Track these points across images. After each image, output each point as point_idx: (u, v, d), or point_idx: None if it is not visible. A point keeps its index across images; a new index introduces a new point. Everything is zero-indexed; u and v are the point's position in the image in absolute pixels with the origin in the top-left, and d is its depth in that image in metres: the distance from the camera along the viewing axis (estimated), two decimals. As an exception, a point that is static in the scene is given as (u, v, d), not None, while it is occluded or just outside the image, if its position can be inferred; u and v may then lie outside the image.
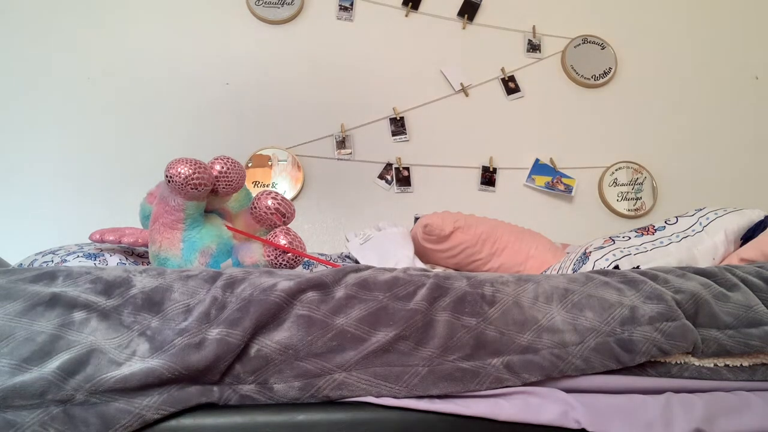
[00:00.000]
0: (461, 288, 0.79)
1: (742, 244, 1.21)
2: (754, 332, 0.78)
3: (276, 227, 1.02)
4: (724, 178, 2.34)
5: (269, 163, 2.07)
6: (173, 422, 0.67)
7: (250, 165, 2.05)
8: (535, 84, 2.29)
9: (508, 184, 2.22)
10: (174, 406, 0.67)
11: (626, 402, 0.74)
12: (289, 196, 2.05)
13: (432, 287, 0.78)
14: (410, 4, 2.23)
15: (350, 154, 2.14)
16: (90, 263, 1.10)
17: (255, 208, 1.02)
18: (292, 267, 0.98)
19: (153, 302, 0.74)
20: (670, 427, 0.71)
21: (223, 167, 0.97)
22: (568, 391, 0.74)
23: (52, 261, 1.13)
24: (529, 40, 2.31)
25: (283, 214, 1.02)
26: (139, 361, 0.68)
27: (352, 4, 2.21)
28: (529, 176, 2.23)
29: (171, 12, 2.09)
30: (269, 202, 1.01)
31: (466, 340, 0.74)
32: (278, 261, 0.97)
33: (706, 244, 1.17)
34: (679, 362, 0.78)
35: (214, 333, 0.70)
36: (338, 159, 2.13)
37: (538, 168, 2.24)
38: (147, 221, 1.13)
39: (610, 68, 2.32)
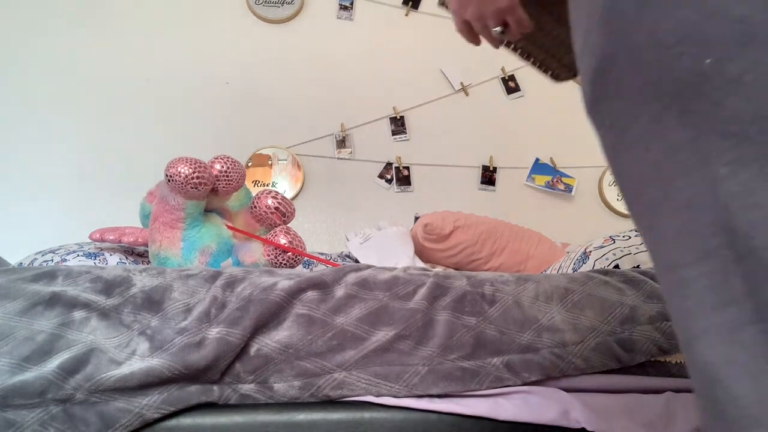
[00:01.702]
0: (461, 287, 0.79)
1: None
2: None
3: (276, 226, 1.02)
4: (724, 177, 2.33)
5: (269, 162, 2.07)
6: (173, 421, 0.67)
7: (250, 164, 2.05)
8: (536, 83, 2.28)
9: (508, 183, 2.22)
10: (174, 405, 0.67)
11: (626, 402, 0.73)
12: (289, 195, 2.05)
13: (432, 286, 0.78)
14: (410, 3, 2.23)
15: (350, 153, 2.14)
16: (90, 262, 1.10)
17: (255, 207, 1.02)
18: (292, 266, 0.98)
19: (153, 301, 0.74)
20: (670, 427, 0.71)
21: (223, 166, 0.97)
22: (569, 390, 0.74)
23: (52, 260, 1.13)
24: (529, 39, 2.30)
25: (284, 213, 1.02)
26: (139, 361, 0.68)
27: (352, 4, 2.20)
28: (530, 175, 2.23)
29: (171, 12, 2.09)
30: (269, 201, 1.01)
31: (466, 340, 0.74)
32: (278, 260, 0.97)
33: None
34: (679, 362, 0.77)
35: (214, 332, 0.70)
36: (338, 158, 2.13)
37: (539, 167, 2.23)
38: (147, 220, 1.12)
39: (610, 68, 2.31)
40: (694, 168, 0.35)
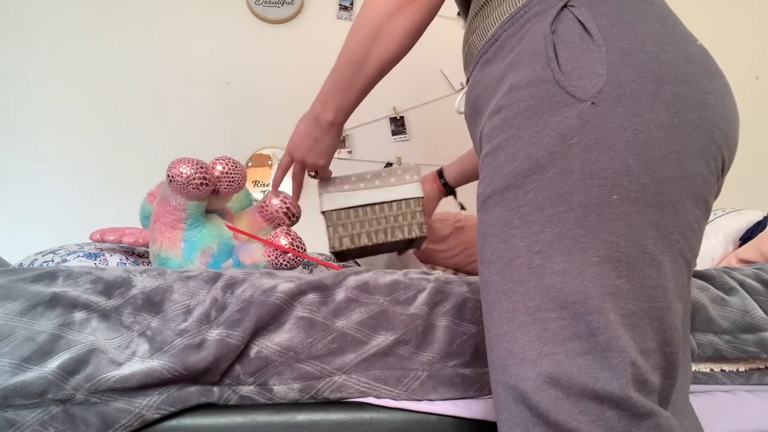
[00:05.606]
0: (462, 294, 0.79)
1: (740, 245, 1.21)
2: (750, 338, 0.78)
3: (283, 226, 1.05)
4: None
5: (269, 162, 2.07)
6: (173, 422, 0.68)
7: (250, 164, 2.05)
8: (535, 84, 2.28)
9: (508, 183, 2.21)
10: (173, 406, 0.67)
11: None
12: (289, 195, 2.05)
13: (432, 292, 0.78)
14: (410, 3, 2.23)
15: (350, 153, 2.14)
16: (90, 263, 1.11)
17: (266, 206, 1.06)
18: (292, 267, 0.99)
19: (153, 303, 0.75)
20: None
21: (224, 168, 0.98)
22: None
23: (53, 261, 1.13)
24: (529, 39, 2.30)
25: (293, 214, 1.07)
26: (139, 362, 0.68)
27: (352, 4, 2.21)
28: (529, 176, 2.22)
29: (171, 12, 2.09)
30: (276, 202, 1.05)
31: (467, 347, 0.74)
32: (278, 261, 0.97)
33: (705, 244, 1.17)
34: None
35: (214, 334, 0.70)
36: (338, 158, 2.13)
37: (538, 168, 2.23)
38: (147, 221, 1.13)
39: (610, 68, 2.31)
40: (574, 252, 0.50)
